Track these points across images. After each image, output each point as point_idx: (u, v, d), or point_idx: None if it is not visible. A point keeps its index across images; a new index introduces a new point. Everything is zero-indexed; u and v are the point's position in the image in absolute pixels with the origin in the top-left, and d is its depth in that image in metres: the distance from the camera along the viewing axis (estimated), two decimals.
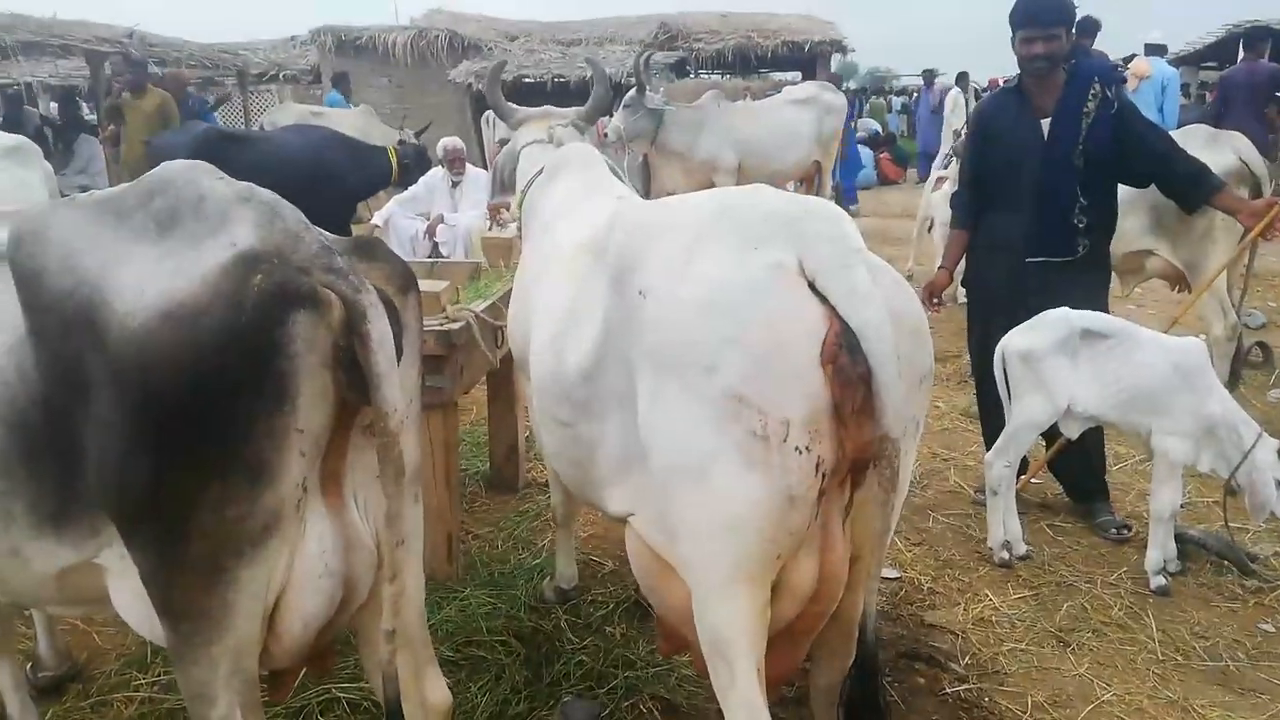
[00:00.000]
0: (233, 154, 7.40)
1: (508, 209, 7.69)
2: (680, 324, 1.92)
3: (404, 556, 1.87)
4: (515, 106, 3.76)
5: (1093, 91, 3.91)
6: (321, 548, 1.87)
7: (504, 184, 3.77)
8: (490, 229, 7.13)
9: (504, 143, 7.98)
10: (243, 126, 15.73)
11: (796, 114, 10.20)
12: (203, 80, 18.78)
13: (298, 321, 1.68)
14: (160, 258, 1.71)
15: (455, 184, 8.49)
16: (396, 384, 1.77)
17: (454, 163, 8.49)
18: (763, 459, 1.83)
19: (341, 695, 2.98)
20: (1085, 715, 2.96)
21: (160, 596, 1.80)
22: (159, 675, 3.16)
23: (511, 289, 4.05)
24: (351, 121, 11.41)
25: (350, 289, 1.74)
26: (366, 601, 2.01)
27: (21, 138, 5.99)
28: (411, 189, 8.55)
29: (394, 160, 9.04)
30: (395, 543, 1.84)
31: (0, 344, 1.84)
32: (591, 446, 2.33)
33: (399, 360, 1.81)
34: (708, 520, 1.91)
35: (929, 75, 17.19)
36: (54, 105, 16.71)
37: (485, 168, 9.53)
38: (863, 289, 1.85)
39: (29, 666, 3.03)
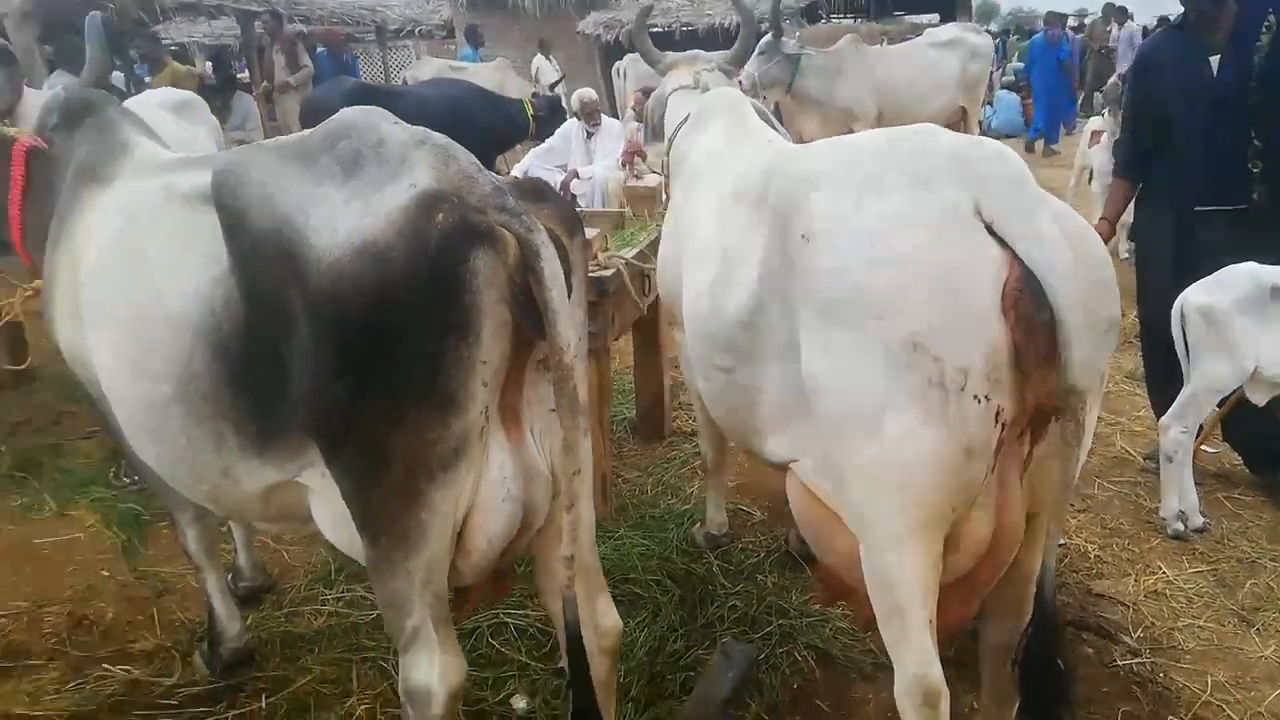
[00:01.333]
0: (380, 106, 7.67)
1: (644, 158, 7.79)
2: (849, 268, 1.89)
3: (579, 485, 1.95)
4: (662, 52, 3.76)
5: (1266, 24, 3.61)
6: (503, 474, 1.97)
7: (654, 130, 3.79)
8: (626, 180, 7.19)
9: (647, 92, 8.01)
10: (383, 81, 16.17)
11: (940, 57, 9.80)
12: (344, 36, 19.41)
13: (478, 258, 1.76)
14: (347, 198, 1.81)
15: (590, 135, 8.55)
16: (569, 320, 1.84)
17: (589, 114, 8.55)
18: (939, 408, 1.81)
19: (509, 620, 3.15)
20: (1275, 699, 2.83)
21: (360, 514, 1.94)
22: (343, 591, 3.40)
23: (658, 237, 4.12)
24: (488, 75, 11.61)
25: (524, 228, 1.80)
26: (543, 528, 2.12)
27: (190, 94, 6.33)
28: (548, 141, 8.66)
29: (530, 112, 9.19)
30: (572, 472, 1.92)
31: (206, 277, 1.99)
32: (751, 393, 2.35)
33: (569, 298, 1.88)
34: (880, 471, 1.90)
35: (1053, 16, 16.07)
36: (208, 64, 17.55)
37: (616, 118, 9.58)
38: (1047, 232, 1.80)
39: (230, 577, 3.29)
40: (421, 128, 1.95)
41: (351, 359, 1.78)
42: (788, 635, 3.08)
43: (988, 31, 14.47)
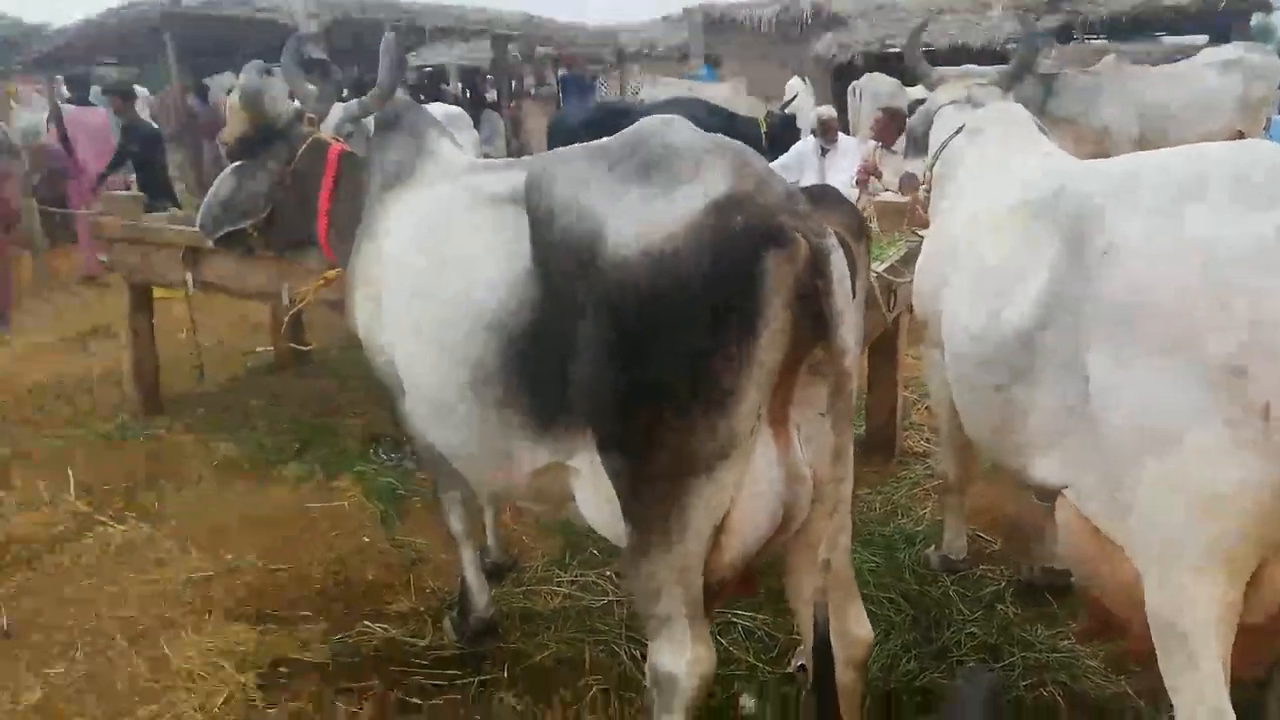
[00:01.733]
0: (622, 124, 7.97)
1: (879, 177, 7.65)
2: (1159, 286, 1.80)
3: (844, 492, 1.95)
4: (933, 67, 3.70)
5: None
6: (768, 475, 1.98)
7: (916, 145, 3.72)
8: (859, 199, 7.08)
9: (888, 112, 7.88)
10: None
11: (1217, 78, 9.05)
12: (585, 59, 20.31)
13: (769, 260, 1.78)
14: (646, 200, 1.88)
15: (825, 152, 8.50)
16: (852, 324, 1.84)
17: (828, 131, 8.50)
18: (1256, 439, 1.69)
19: (737, 620, 3.17)
20: None
21: (626, 501, 2.02)
22: (576, 575, 3.55)
23: (908, 252, 4.04)
24: (722, 95, 11.79)
25: (814, 232, 1.82)
26: (798, 532, 2.11)
27: (457, 108, 6.86)
28: (782, 158, 8.67)
29: (763, 129, 9.26)
30: (838, 478, 1.92)
31: (508, 273, 2.13)
32: (1022, 411, 2.26)
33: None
34: (1180, 499, 1.78)
35: None
36: (458, 84, 18.87)
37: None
38: None
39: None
40: (717, 135, 2.01)
41: (636, 354, 1.86)
42: (1032, 669, 2.93)
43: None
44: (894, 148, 7.81)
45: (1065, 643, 3.04)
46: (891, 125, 7.80)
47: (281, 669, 3.01)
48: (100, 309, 8.04)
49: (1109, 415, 1.90)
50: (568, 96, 11.19)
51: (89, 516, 4.09)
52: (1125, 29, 17.00)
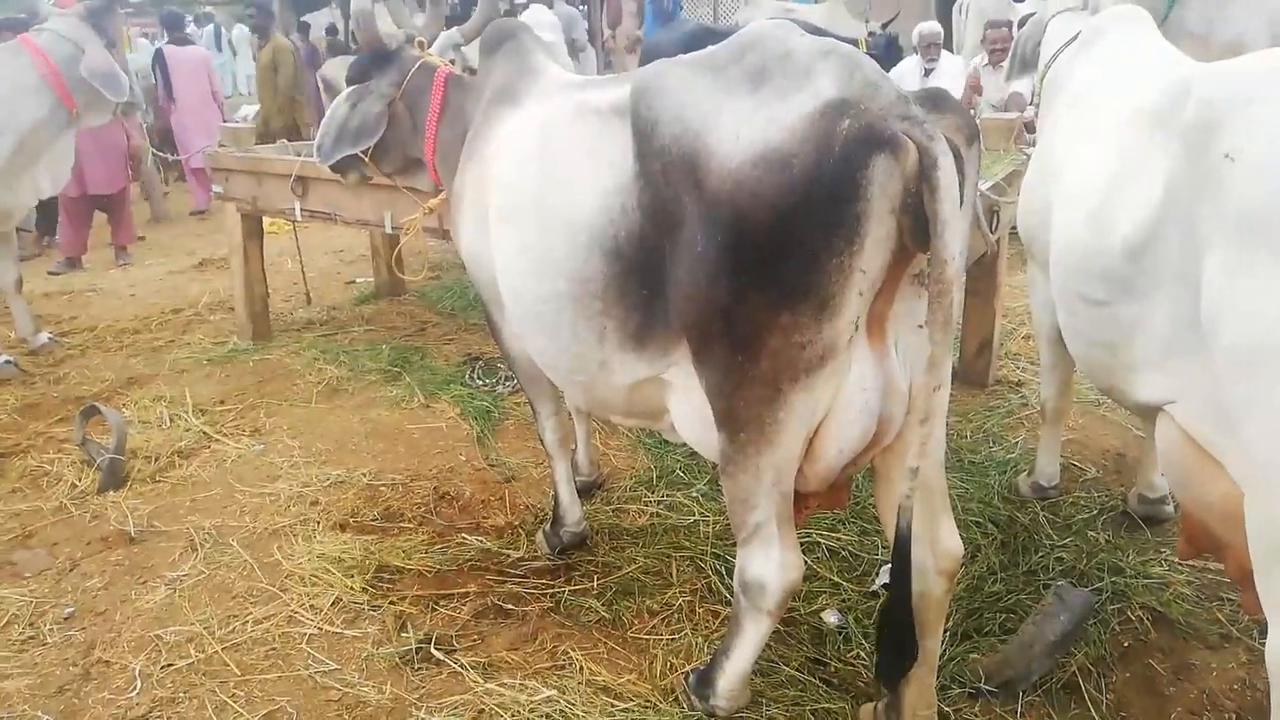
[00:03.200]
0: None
1: (980, 93, 7.35)
2: None
3: (938, 402, 1.92)
4: None
5: None
6: (863, 385, 1.98)
7: (1024, 61, 3.56)
8: None
9: (994, 24, 7.51)
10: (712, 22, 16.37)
11: None
12: None
13: (877, 166, 1.75)
14: (754, 108, 1.87)
15: (928, 72, 8.22)
16: (958, 233, 1.80)
17: (929, 48, 8.20)
18: None
19: (821, 540, 3.21)
20: None
21: (722, 409, 2.04)
22: (663, 495, 3.63)
23: (1013, 170, 3.91)
24: (820, 15, 11.42)
25: (924, 136, 1.77)
26: (892, 444, 2.11)
27: (556, 36, 6.82)
28: None
29: (864, 50, 8.97)
30: (933, 387, 1.89)
31: (610, 184, 2.14)
32: (1129, 327, 2.20)
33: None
34: None
35: None
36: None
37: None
38: None
39: None
40: (829, 39, 1.97)
41: (739, 261, 1.87)
42: (1121, 593, 2.89)
43: None
44: (1001, 65, 7.52)
45: (1157, 569, 2.99)
46: (1005, 40, 7.51)
47: (385, 575, 3.17)
48: (211, 242, 8.41)
49: (1224, 327, 1.83)
50: (652, 23, 10.91)
51: (206, 434, 4.35)
52: None
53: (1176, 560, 3.02)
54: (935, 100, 1.96)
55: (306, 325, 6.04)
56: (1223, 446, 1.95)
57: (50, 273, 7.58)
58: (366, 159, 3.27)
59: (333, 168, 3.37)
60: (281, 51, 9.68)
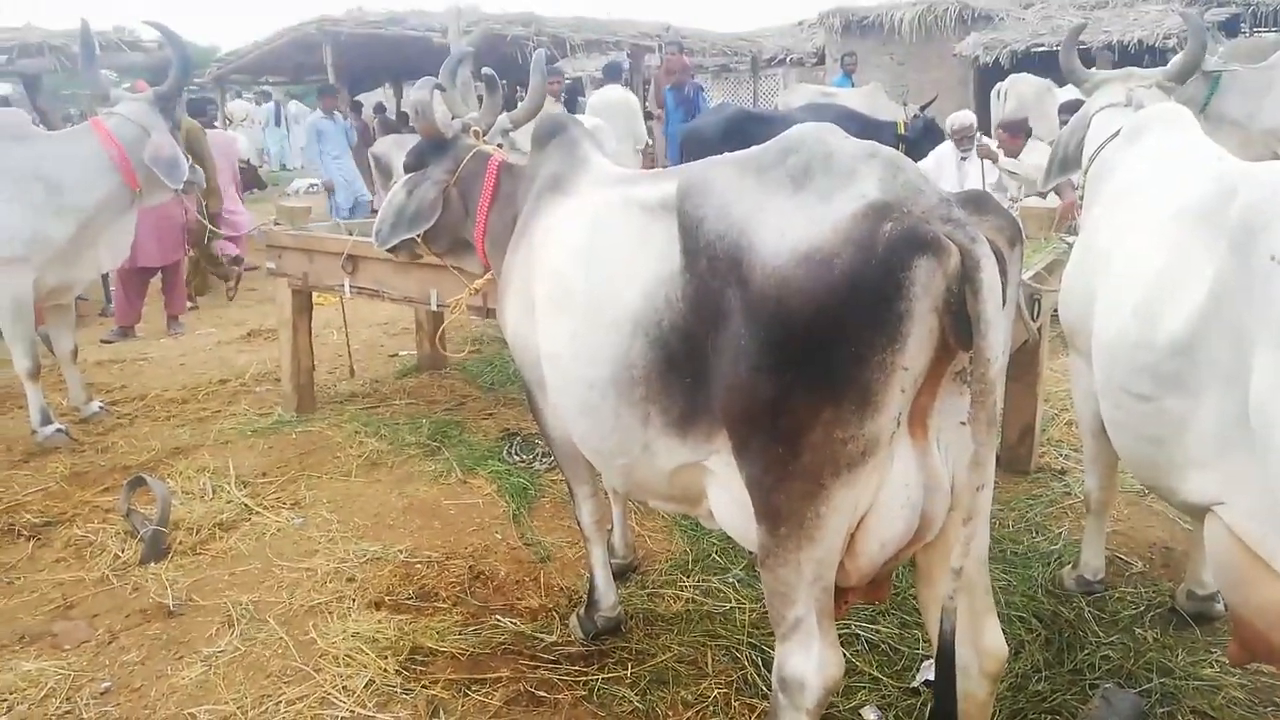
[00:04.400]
0: (757, 131, 7.96)
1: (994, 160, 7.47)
2: None
3: (982, 501, 1.91)
4: (1090, 70, 3.58)
5: None
6: (906, 480, 1.97)
7: (1066, 159, 3.58)
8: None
9: (1070, 109, 7.64)
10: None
11: None
12: (718, 67, 20.32)
13: (919, 267, 1.77)
14: (797, 208, 1.91)
15: (964, 158, 8.29)
16: (1001, 333, 1.81)
17: (963, 139, 8.28)
18: None
19: (861, 632, 3.16)
20: None
21: (762, 502, 2.04)
22: (699, 580, 3.60)
23: (1055, 260, 3.91)
24: (859, 100, 11.61)
25: (967, 239, 1.80)
26: (933, 541, 2.09)
27: (598, 119, 7.02)
28: (920, 164, 8.50)
29: (902, 131, 9.13)
30: (977, 486, 1.89)
31: (656, 276, 2.18)
32: (1176, 424, 2.19)
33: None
34: None
35: None
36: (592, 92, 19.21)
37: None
38: None
39: None
40: (871, 142, 2.02)
41: (782, 356, 1.89)
42: (1170, 695, 2.80)
43: None
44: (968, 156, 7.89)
45: (1208, 670, 2.90)
46: (1017, 139, 7.77)
47: (418, 657, 3.16)
48: (260, 312, 8.61)
49: (1274, 428, 1.81)
50: (674, 111, 11.01)
51: (247, 506, 4.40)
52: None
53: (1228, 663, 2.92)
54: (978, 202, 1.99)
55: (349, 398, 6.13)
56: (1274, 548, 1.91)
57: (103, 341, 7.79)
58: (419, 240, 3.38)
59: (390, 250, 3.48)
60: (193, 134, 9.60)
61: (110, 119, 5.25)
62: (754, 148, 2.14)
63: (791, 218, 1.89)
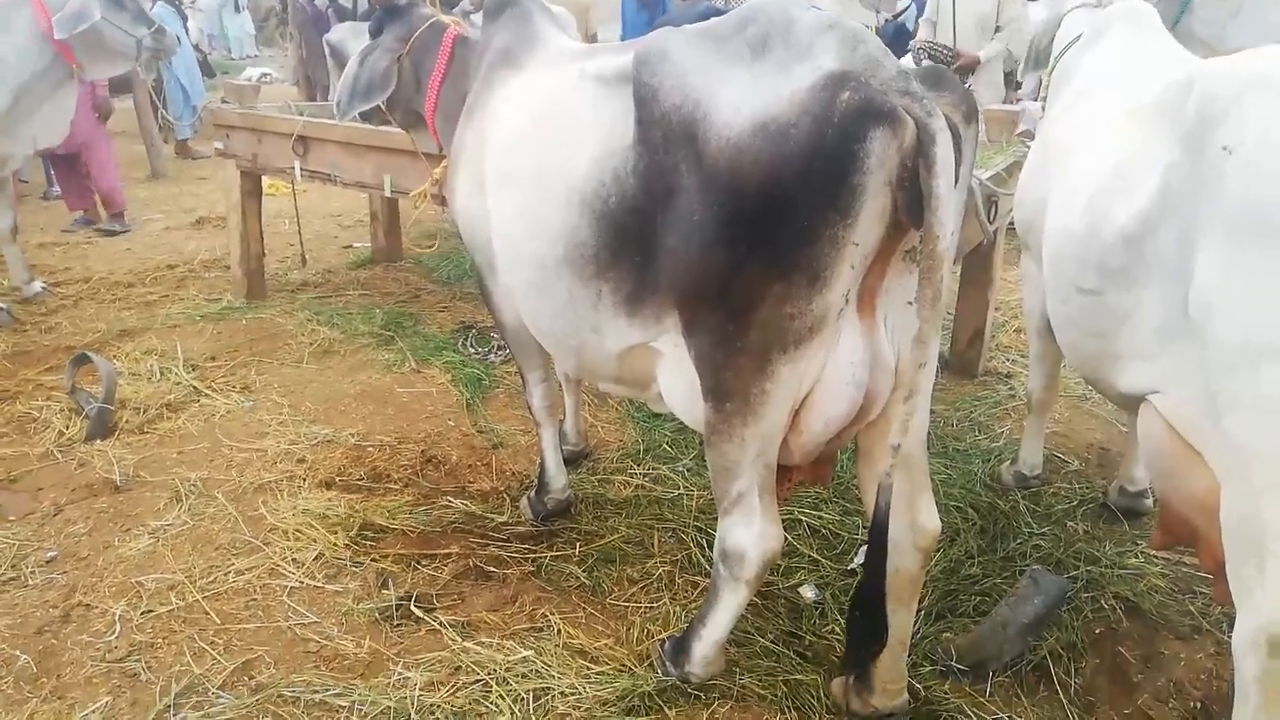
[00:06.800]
0: None
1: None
2: None
3: (923, 379, 1.94)
4: None
5: None
6: (851, 358, 1.99)
7: (1037, 59, 3.56)
8: None
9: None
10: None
11: None
12: None
13: (875, 139, 1.76)
14: (755, 78, 1.88)
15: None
16: (951, 210, 1.81)
17: (922, 54, 8.18)
18: None
19: (803, 518, 3.24)
20: None
21: (710, 378, 2.06)
22: (649, 468, 3.66)
23: (1014, 162, 3.92)
24: (829, 3, 11.38)
25: (923, 112, 1.78)
26: (878, 420, 2.13)
27: (563, 9, 6.79)
28: None
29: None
30: (919, 364, 1.91)
31: (608, 150, 2.15)
32: (1119, 316, 2.22)
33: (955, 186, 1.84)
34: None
35: None
36: None
37: None
38: None
39: None
40: (832, 13, 1.98)
41: (734, 231, 1.88)
42: (1095, 582, 2.92)
43: None
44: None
45: (1132, 560, 3.03)
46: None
47: (368, 533, 3.18)
48: (210, 200, 8.38)
49: (1214, 319, 1.84)
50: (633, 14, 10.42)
51: (195, 388, 4.35)
52: None
53: (1151, 552, 3.06)
54: (935, 78, 1.96)
55: (301, 287, 6.03)
56: (1203, 437, 1.97)
57: (64, 230, 7.41)
58: (383, 107, 3.31)
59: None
60: None
61: None
62: (713, 20, 2.09)
63: (748, 88, 1.86)
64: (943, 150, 1.77)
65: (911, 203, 1.82)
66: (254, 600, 2.85)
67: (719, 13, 9.07)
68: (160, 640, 2.67)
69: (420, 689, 2.44)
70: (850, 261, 1.86)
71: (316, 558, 3.04)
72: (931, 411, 4.16)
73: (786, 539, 3.04)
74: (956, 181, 1.86)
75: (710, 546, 2.94)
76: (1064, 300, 2.49)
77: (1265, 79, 1.87)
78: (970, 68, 7.03)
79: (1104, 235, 2.24)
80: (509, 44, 2.78)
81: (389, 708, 2.38)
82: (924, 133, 1.77)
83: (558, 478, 3.27)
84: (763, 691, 2.44)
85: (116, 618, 2.74)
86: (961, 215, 2.08)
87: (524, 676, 2.48)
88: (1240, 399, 1.80)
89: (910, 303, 1.97)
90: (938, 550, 3.01)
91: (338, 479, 3.56)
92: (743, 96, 1.86)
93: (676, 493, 3.46)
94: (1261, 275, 1.74)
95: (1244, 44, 6.86)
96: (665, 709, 2.37)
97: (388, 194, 4.56)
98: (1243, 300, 1.78)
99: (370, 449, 3.83)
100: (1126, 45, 2.87)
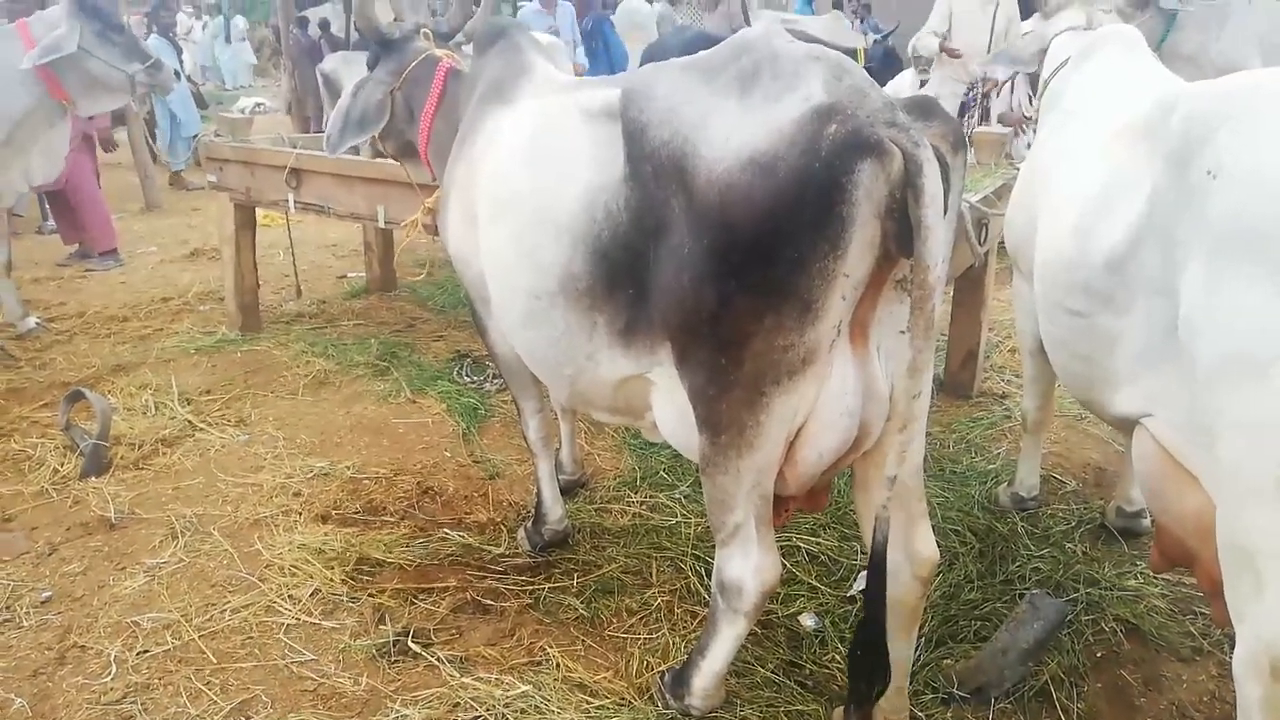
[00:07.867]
0: None
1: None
2: (1269, 205, 1.72)
3: (917, 409, 1.94)
4: None
5: None
6: (844, 389, 1.99)
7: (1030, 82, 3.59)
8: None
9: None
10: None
11: None
12: None
13: (862, 170, 1.76)
14: (743, 111, 1.89)
15: (923, 85, 8.27)
16: (941, 239, 1.81)
17: (924, 69, 8.25)
18: None
19: (801, 544, 3.23)
20: None
21: (703, 410, 2.06)
22: (646, 496, 3.65)
23: (1004, 184, 3.94)
24: (820, 26, 11.45)
25: (910, 142, 1.78)
26: (873, 450, 2.12)
27: (554, 37, 6.87)
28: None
29: (861, 61, 9.06)
30: (913, 395, 1.91)
31: (598, 184, 2.15)
32: (1108, 339, 2.23)
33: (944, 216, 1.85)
34: (1269, 422, 1.73)
35: None
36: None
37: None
38: None
39: None
40: (818, 45, 1.99)
41: (724, 264, 1.88)
42: (1095, 604, 2.92)
43: None
44: None
45: (1131, 581, 3.03)
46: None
47: (365, 567, 3.17)
48: (204, 232, 8.39)
49: (1201, 340, 1.85)
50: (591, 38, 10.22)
51: (190, 422, 4.34)
52: None
53: (1151, 573, 3.05)
54: (923, 108, 1.98)
55: (296, 318, 6.03)
56: (1196, 459, 1.97)
57: (59, 264, 7.41)
58: (377, 138, 3.33)
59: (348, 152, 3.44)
60: None
61: (35, 24, 5.00)
62: (702, 53, 2.10)
63: (735, 122, 1.87)
64: (931, 181, 1.78)
65: (901, 233, 1.83)
66: (250, 638, 2.83)
67: (710, 39, 9.18)
68: (156, 681, 2.65)
69: None
70: (841, 292, 1.87)
71: (313, 594, 3.02)
72: (927, 434, 4.20)
73: (785, 566, 3.05)
74: (946, 210, 1.87)
75: (709, 575, 2.93)
76: (1054, 322, 2.50)
77: (1248, 102, 1.89)
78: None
79: (1091, 257, 2.25)
80: (499, 76, 2.79)
81: None
82: (911, 163, 1.78)
83: (554, 509, 3.26)
84: None
85: (112, 659, 2.72)
86: (952, 243, 2.09)
87: (523, 712, 2.47)
88: (1228, 418, 1.80)
89: (903, 332, 1.97)
90: (936, 575, 3.01)
91: (334, 512, 3.55)
92: (730, 131, 1.87)
93: (674, 520, 3.45)
94: (1245, 295, 1.74)
95: (1229, 59, 6.97)
96: None
97: (382, 225, 4.57)
98: (1228, 320, 1.78)
99: (366, 481, 3.82)
100: (1113, 68, 2.89)
